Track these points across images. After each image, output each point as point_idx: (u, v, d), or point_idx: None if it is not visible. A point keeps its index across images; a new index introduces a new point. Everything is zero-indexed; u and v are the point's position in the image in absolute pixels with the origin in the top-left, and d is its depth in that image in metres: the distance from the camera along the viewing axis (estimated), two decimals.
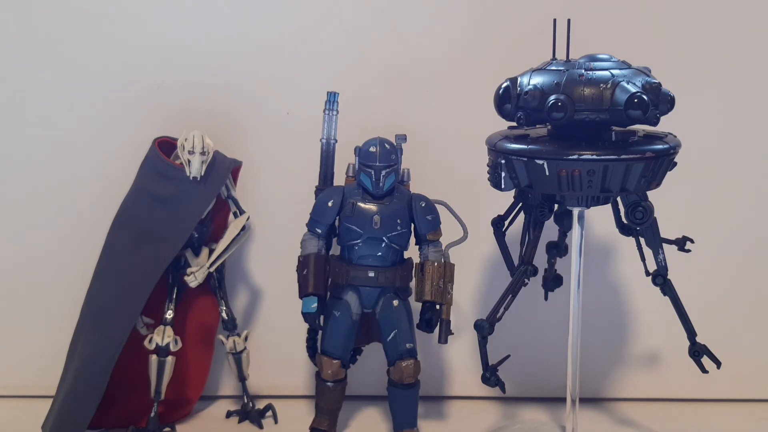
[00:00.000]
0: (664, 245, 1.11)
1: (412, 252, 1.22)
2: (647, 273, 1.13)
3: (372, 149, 1.18)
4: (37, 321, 1.39)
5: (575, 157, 1.00)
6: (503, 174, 1.06)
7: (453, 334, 1.20)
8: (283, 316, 1.35)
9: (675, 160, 1.06)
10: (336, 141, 1.24)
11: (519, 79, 1.05)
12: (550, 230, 1.17)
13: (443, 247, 1.20)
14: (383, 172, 1.17)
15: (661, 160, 1.03)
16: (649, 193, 1.08)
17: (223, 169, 1.26)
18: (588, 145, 1.01)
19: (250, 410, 1.31)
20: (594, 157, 1.00)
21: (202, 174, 1.23)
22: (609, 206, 1.13)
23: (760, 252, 1.38)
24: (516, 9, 1.33)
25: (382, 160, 1.17)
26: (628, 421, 1.34)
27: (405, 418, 1.22)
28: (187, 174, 1.23)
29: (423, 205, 1.19)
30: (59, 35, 1.34)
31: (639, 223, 1.08)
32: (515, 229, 1.18)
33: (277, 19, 1.35)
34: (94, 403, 1.18)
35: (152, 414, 1.25)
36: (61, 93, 1.36)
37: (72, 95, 1.36)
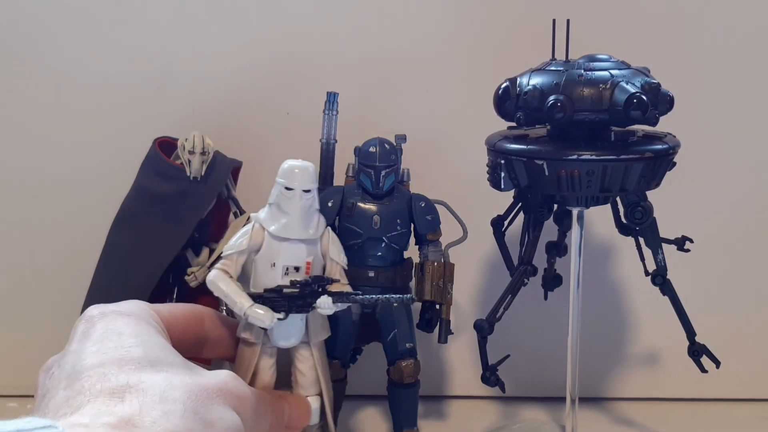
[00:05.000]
0: (664, 245, 1.11)
1: (412, 252, 1.22)
2: (647, 273, 1.13)
3: (372, 149, 1.18)
4: (37, 321, 1.40)
5: (574, 157, 1.00)
6: (503, 174, 1.06)
7: (453, 333, 1.20)
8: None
9: (674, 160, 1.06)
10: (336, 141, 1.24)
11: (518, 79, 1.06)
12: (549, 230, 1.17)
13: (443, 247, 1.20)
14: (383, 172, 1.17)
15: (660, 160, 1.03)
16: (648, 193, 1.08)
17: (224, 169, 1.26)
18: (587, 145, 1.01)
19: None
20: (593, 157, 1.00)
21: (203, 174, 1.24)
22: (608, 206, 1.14)
23: (760, 252, 1.38)
24: (516, 9, 1.33)
25: (382, 160, 1.17)
26: (628, 421, 1.34)
27: (405, 417, 1.22)
28: (188, 174, 1.23)
29: (423, 205, 1.19)
30: (60, 36, 1.34)
31: (638, 223, 1.08)
32: (515, 229, 1.18)
33: (277, 18, 1.35)
34: None
35: None
36: (61, 93, 1.36)
37: (72, 95, 1.36)
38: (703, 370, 1.15)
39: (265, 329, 0.80)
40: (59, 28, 1.34)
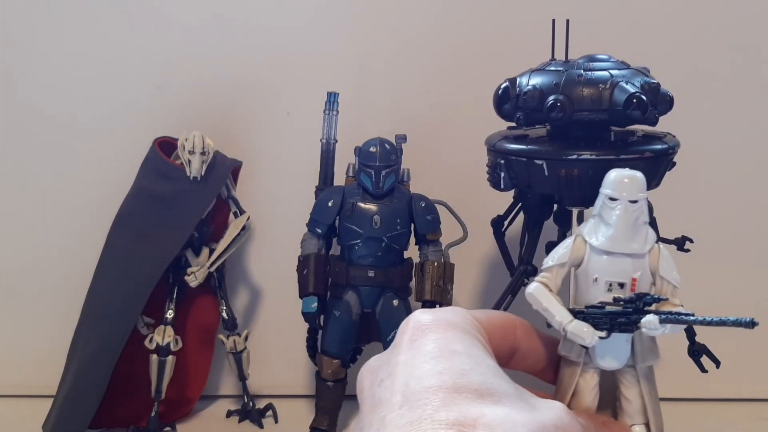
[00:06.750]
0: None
1: (412, 252, 1.22)
2: None
3: (372, 149, 1.18)
4: (37, 321, 1.40)
5: (574, 157, 1.00)
6: (502, 174, 1.06)
7: None
8: (283, 316, 1.36)
9: (674, 160, 1.06)
10: (336, 141, 1.24)
11: (518, 79, 1.05)
12: (549, 230, 1.17)
13: (443, 247, 1.20)
14: (383, 172, 1.17)
15: (660, 160, 1.03)
16: (648, 193, 1.07)
17: (224, 169, 1.27)
18: (587, 145, 1.01)
19: (250, 410, 1.32)
20: (593, 157, 1.00)
21: (203, 174, 1.24)
22: None
23: (760, 251, 1.38)
24: (516, 9, 1.33)
25: (382, 160, 1.17)
26: None
27: None
28: (188, 174, 1.23)
29: (423, 205, 1.19)
30: (59, 36, 1.35)
31: None
32: (515, 229, 1.18)
33: (277, 19, 1.35)
34: (95, 403, 1.18)
35: (153, 413, 1.25)
36: (62, 93, 1.36)
37: (72, 95, 1.36)
38: (703, 370, 1.14)
39: (586, 348, 0.77)
40: (59, 28, 1.34)
